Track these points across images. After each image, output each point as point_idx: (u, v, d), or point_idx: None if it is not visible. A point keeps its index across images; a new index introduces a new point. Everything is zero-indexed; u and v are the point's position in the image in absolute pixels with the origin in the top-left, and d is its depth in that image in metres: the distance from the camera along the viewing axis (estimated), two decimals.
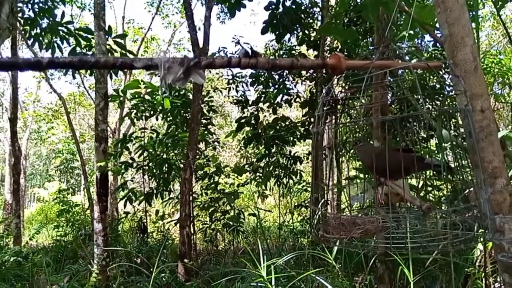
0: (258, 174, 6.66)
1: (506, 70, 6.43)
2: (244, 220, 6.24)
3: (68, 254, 5.49)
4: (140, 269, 4.11)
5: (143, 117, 5.80)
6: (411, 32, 2.20)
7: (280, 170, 6.60)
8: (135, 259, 4.95)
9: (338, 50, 6.30)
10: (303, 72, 6.53)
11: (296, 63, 0.75)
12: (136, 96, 5.71)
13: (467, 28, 1.08)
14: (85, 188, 7.30)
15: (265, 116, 6.84)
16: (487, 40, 10.80)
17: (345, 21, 5.91)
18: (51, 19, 6.02)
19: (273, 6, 5.92)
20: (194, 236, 5.66)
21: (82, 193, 11.01)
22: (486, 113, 0.98)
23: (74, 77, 6.08)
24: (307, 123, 6.51)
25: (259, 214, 6.65)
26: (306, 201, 7.01)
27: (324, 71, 5.68)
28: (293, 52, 6.93)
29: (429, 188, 3.24)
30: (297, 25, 6.29)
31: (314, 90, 6.34)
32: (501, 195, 1.02)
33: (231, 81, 6.83)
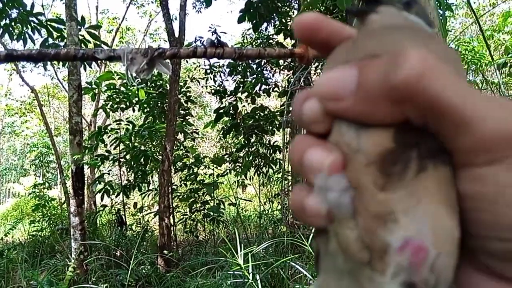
0: (237, 164, 6.67)
1: (478, 57, 6.57)
2: (224, 210, 6.25)
3: (45, 249, 5.40)
4: (119, 262, 4.09)
5: (119, 109, 5.71)
6: None
7: (260, 160, 6.62)
8: (114, 252, 4.90)
9: None
10: (281, 62, 6.54)
11: (263, 52, 0.74)
12: (111, 87, 5.61)
13: (432, 15, 1.10)
14: (61, 182, 7.17)
15: (243, 106, 6.83)
16: (460, 27, 10.99)
17: (322, 9, 5.91)
18: (21, 9, 5.82)
19: None
20: (174, 228, 5.64)
21: (58, 187, 10.81)
22: None
23: (45, 69, 5.93)
24: (285, 112, 6.53)
25: (239, 203, 6.68)
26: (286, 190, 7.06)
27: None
28: (271, 41, 6.91)
29: None
30: (274, 14, 6.27)
31: (292, 80, 6.35)
32: None
33: (208, 71, 6.78)
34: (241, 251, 1.99)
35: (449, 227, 0.19)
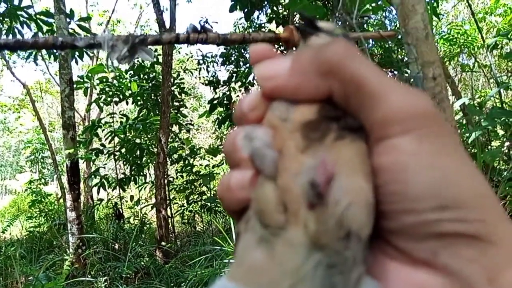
0: None
1: (471, 40, 6.57)
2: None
3: (43, 244, 5.41)
4: (117, 255, 4.10)
5: (113, 103, 5.68)
6: (374, 4, 2.21)
7: None
8: (112, 245, 4.91)
9: None
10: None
11: (248, 37, 0.72)
12: (103, 80, 5.57)
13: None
14: (57, 177, 7.15)
15: (237, 96, 6.81)
16: (453, 11, 10.96)
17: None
18: (8, 3, 5.74)
19: None
20: (172, 219, 5.66)
21: (55, 183, 10.79)
22: (438, 80, 1.00)
23: (36, 64, 5.85)
24: None
25: None
26: None
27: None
28: (263, 30, 6.87)
29: None
30: (266, 2, 6.22)
31: None
32: None
33: (201, 62, 6.74)
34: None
35: (362, 186, 0.21)
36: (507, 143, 2.26)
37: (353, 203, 0.20)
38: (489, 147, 2.51)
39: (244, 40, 0.78)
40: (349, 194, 0.21)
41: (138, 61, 5.92)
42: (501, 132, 2.71)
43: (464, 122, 3.07)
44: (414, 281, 0.21)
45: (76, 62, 5.20)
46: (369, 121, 0.22)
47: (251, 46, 0.27)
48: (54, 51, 5.21)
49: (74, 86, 4.87)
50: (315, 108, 0.23)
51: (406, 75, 1.13)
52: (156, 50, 5.96)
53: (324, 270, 0.20)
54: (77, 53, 4.96)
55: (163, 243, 4.56)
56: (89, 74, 5.60)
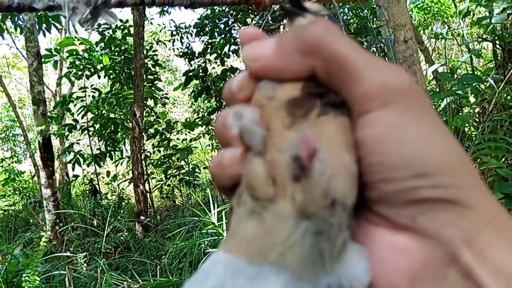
0: (210, 127, 6.62)
1: (444, 8, 6.60)
2: (200, 174, 6.26)
3: (19, 223, 5.32)
4: (96, 231, 4.08)
5: (84, 77, 5.51)
6: None
7: None
8: (91, 221, 4.88)
9: None
10: (249, 20, 6.38)
11: None
12: (74, 53, 5.37)
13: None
14: (30, 154, 6.98)
15: (213, 68, 6.70)
16: None
17: None
18: None
19: None
20: (150, 194, 5.64)
21: (28, 161, 10.55)
22: (409, 43, 1.00)
23: (3, 37, 5.56)
24: None
25: None
26: None
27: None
28: None
29: None
30: None
31: None
32: None
33: (174, 33, 6.56)
34: (214, 209, 2.02)
35: (344, 157, 0.22)
36: (477, 109, 2.32)
37: (337, 173, 0.22)
38: (460, 113, 2.57)
39: (213, 2, 0.75)
40: (332, 165, 0.22)
41: (109, 32, 5.73)
42: (472, 100, 2.77)
43: (437, 89, 3.12)
44: (396, 245, 0.23)
45: (44, 35, 4.98)
46: (351, 96, 0.23)
47: (240, 30, 0.29)
48: (20, 22, 4.97)
49: (42, 59, 4.69)
50: (300, 86, 0.24)
51: (380, 39, 1.12)
52: (127, 21, 5.77)
53: (312, 237, 0.21)
54: (44, 25, 4.75)
55: (142, 217, 4.55)
56: (58, 47, 5.39)
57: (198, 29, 6.38)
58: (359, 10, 5.16)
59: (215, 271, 0.23)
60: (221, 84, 6.36)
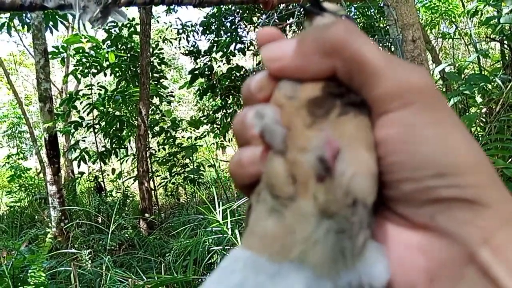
0: (215, 125, 6.62)
1: (452, 8, 6.55)
2: (204, 172, 6.27)
3: (24, 219, 5.36)
4: (101, 228, 4.09)
5: (90, 74, 5.53)
6: None
7: None
8: (96, 218, 4.90)
9: None
10: (255, 19, 6.38)
11: None
12: (80, 51, 5.40)
13: None
14: (36, 151, 7.02)
15: (219, 66, 6.69)
16: None
17: None
18: None
19: None
20: (155, 192, 5.65)
21: (34, 157, 10.61)
22: (417, 43, 0.99)
23: (10, 35, 5.59)
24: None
25: (219, 165, 6.70)
26: None
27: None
28: None
29: None
30: None
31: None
32: None
33: (181, 31, 6.57)
34: (219, 207, 2.02)
35: (365, 157, 0.23)
36: (484, 109, 2.30)
37: (358, 173, 0.22)
38: (467, 113, 2.55)
39: (221, 1, 0.75)
40: (353, 165, 0.22)
41: (115, 30, 5.74)
42: (479, 100, 2.75)
43: (444, 89, 3.10)
44: (414, 244, 0.23)
45: (51, 32, 5.01)
46: (371, 96, 0.23)
47: (258, 30, 0.29)
48: (28, 20, 4.99)
49: (49, 56, 4.71)
50: (320, 85, 0.25)
51: (388, 38, 1.12)
52: (133, 20, 5.79)
53: (334, 235, 0.22)
54: (51, 22, 4.78)
55: (146, 215, 4.56)
56: (65, 45, 5.42)
57: (204, 27, 6.39)
58: (366, 9, 5.14)
59: (236, 268, 0.23)
60: (227, 83, 6.36)
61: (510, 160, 1.96)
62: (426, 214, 0.22)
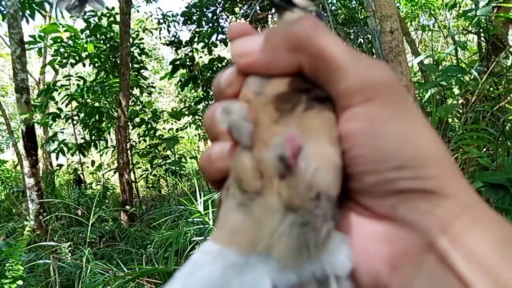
0: (197, 117, 6.57)
1: (432, 0, 6.63)
2: (186, 164, 6.23)
3: (1, 212, 5.25)
4: (81, 220, 4.04)
5: (69, 64, 5.41)
6: None
7: None
8: (75, 211, 4.84)
9: None
10: (237, 9, 6.33)
11: None
12: (58, 41, 5.27)
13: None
14: (13, 143, 6.86)
15: (200, 57, 6.63)
16: None
17: None
18: None
19: None
20: (136, 184, 5.60)
21: (11, 150, 10.37)
22: (395, 34, 1.00)
23: None
24: None
25: (201, 156, 6.66)
26: None
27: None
28: None
29: None
30: None
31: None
32: None
33: (161, 21, 6.48)
34: (200, 198, 2.02)
35: (329, 151, 0.23)
36: (461, 100, 2.35)
37: (321, 167, 0.23)
38: (445, 104, 2.60)
39: None
40: (316, 160, 0.23)
41: (94, 20, 5.63)
42: (457, 92, 2.81)
43: (422, 80, 3.15)
44: (377, 234, 0.24)
45: (27, 22, 4.88)
46: (335, 92, 0.24)
47: (229, 25, 0.29)
48: (2, 9, 4.84)
49: (26, 46, 4.59)
50: (287, 81, 0.25)
51: (367, 29, 1.13)
52: (113, 9, 5.68)
53: (298, 228, 0.23)
54: (27, 11, 4.64)
55: (127, 207, 4.52)
56: (42, 34, 5.28)
57: (186, 17, 6.31)
58: (348, 1, 5.16)
59: (205, 262, 0.24)
60: (208, 74, 6.31)
61: (485, 149, 2.01)
62: (388, 205, 0.23)
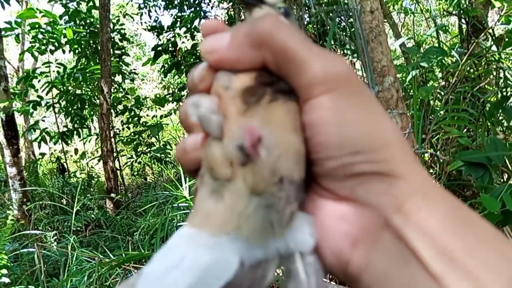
0: (181, 103, 6.51)
1: None
2: (171, 151, 6.21)
3: None
4: (65, 208, 4.01)
5: (48, 51, 5.28)
6: None
7: None
8: (60, 200, 4.78)
9: None
10: None
11: None
12: (36, 27, 5.13)
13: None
14: None
15: (183, 42, 6.54)
16: None
17: None
18: None
19: None
20: (121, 171, 5.56)
21: None
22: (375, 14, 1.01)
23: None
24: None
25: None
26: None
27: None
28: None
29: None
30: None
31: (233, 13, 6.13)
32: (389, 92, 1.10)
33: (142, 6, 6.36)
34: (186, 183, 2.02)
35: (290, 139, 0.26)
36: (442, 82, 2.38)
37: (283, 154, 0.25)
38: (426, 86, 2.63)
39: None
40: (279, 147, 0.25)
41: (73, 5, 5.49)
42: (439, 75, 2.84)
43: (405, 63, 3.17)
44: (339, 213, 0.26)
45: (3, 7, 4.73)
46: (297, 84, 0.26)
47: (202, 23, 0.30)
48: None
49: (3, 33, 4.46)
50: (253, 76, 0.27)
51: (347, 9, 1.12)
52: None
53: (263, 210, 0.25)
54: None
55: (112, 194, 4.49)
56: (19, 20, 5.13)
57: (167, 1, 6.20)
58: None
59: (179, 244, 0.26)
60: (192, 60, 6.24)
61: (465, 129, 2.05)
62: (348, 187, 0.25)
